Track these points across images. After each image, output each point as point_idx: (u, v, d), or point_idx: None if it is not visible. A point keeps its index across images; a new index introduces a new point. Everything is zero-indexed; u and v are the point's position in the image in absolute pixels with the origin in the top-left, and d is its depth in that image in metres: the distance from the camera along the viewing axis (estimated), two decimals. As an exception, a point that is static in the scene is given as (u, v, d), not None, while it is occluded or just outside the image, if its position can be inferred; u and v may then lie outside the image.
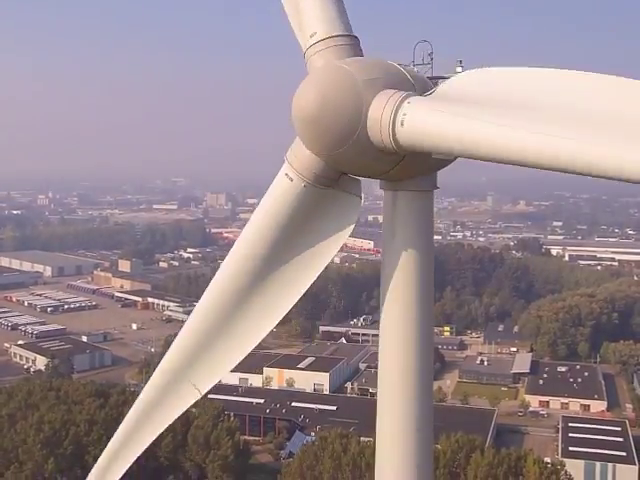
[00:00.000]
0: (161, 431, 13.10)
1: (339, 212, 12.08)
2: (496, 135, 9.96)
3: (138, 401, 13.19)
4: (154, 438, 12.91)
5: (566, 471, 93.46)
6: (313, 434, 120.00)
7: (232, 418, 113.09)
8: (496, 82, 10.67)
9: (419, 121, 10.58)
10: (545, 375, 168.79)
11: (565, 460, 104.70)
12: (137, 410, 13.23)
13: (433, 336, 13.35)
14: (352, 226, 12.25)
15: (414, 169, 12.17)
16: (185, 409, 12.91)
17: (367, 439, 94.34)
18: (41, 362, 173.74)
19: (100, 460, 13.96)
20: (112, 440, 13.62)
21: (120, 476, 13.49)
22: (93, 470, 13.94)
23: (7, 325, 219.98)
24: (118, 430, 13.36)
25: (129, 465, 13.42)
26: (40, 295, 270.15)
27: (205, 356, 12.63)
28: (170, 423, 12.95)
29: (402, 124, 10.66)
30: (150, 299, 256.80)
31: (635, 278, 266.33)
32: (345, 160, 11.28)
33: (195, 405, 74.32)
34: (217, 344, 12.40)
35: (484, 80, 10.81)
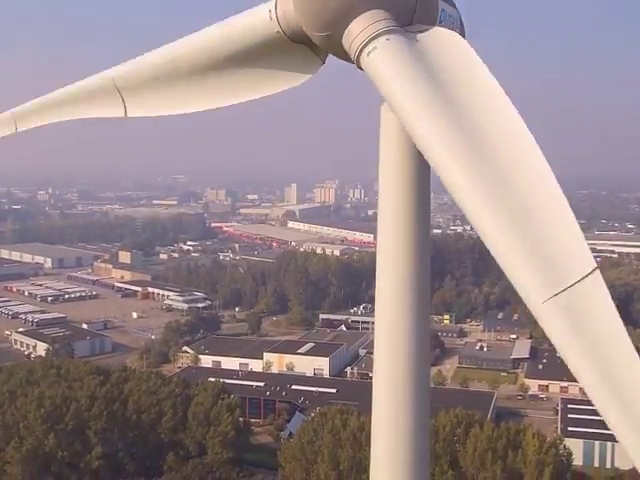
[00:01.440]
0: (81, 117, 12.19)
1: (298, 61, 11.78)
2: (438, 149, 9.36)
3: None
4: (72, 118, 12.14)
5: (565, 445, 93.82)
6: (313, 414, 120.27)
7: (232, 396, 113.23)
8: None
9: (382, 65, 10.03)
10: (545, 360, 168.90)
11: (564, 439, 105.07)
12: None
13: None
14: (306, 77, 11.88)
15: None
16: (107, 115, 12.18)
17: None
18: (41, 348, 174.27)
19: None
20: None
21: None
22: None
23: (7, 314, 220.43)
24: None
25: None
26: (40, 285, 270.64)
27: (145, 90, 12.10)
28: (89, 116, 12.16)
29: (368, 54, 10.34)
30: (150, 289, 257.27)
31: (634, 267, 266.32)
32: (329, 44, 11.15)
33: (195, 384, 74.34)
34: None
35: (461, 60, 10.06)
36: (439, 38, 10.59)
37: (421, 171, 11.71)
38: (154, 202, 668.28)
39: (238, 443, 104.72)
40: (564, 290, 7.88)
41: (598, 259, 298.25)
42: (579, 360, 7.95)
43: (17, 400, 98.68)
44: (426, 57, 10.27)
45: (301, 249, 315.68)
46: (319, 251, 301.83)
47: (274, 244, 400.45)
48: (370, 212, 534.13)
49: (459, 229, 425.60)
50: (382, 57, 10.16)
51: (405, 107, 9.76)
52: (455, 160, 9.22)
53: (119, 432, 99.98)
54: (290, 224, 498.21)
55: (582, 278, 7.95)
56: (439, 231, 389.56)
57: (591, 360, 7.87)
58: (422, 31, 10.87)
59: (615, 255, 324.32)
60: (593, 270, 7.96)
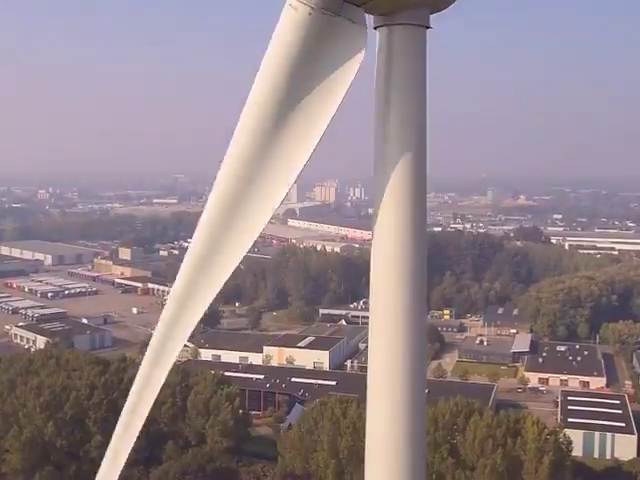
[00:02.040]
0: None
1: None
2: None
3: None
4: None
5: (565, 433, 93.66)
6: (313, 405, 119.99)
7: (232, 386, 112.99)
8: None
9: (284, 25, 10.46)
10: (545, 354, 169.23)
11: (564, 428, 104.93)
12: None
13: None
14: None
15: None
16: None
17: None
18: (41, 342, 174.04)
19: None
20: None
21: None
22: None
23: (8, 309, 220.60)
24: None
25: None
26: (40, 281, 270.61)
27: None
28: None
29: (288, 6, 10.42)
30: (150, 285, 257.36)
31: (634, 264, 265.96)
32: None
33: (194, 374, 72.86)
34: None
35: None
36: (347, 42, 10.81)
37: (418, 159, 11.75)
38: (154, 201, 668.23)
39: (237, 433, 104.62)
40: (163, 340, 11.47)
41: (598, 256, 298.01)
42: (138, 380, 11.96)
43: (16, 389, 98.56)
44: (318, 49, 10.66)
45: (301, 246, 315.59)
46: (319, 248, 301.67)
47: (274, 242, 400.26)
48: (370, 210, 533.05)
49: (459, 227, 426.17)
50: (290, 20, 10.52)
51: (263, 67, 10.62)
52: (232, 153, 10.71)
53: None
54: (290, 222, 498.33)
55: (172, 344, 11.41)
56: (439, 229, 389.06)
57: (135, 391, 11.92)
58: (353, 21, 11.00)
59: (615, 252, 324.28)
60: (177, 346, 11.44)
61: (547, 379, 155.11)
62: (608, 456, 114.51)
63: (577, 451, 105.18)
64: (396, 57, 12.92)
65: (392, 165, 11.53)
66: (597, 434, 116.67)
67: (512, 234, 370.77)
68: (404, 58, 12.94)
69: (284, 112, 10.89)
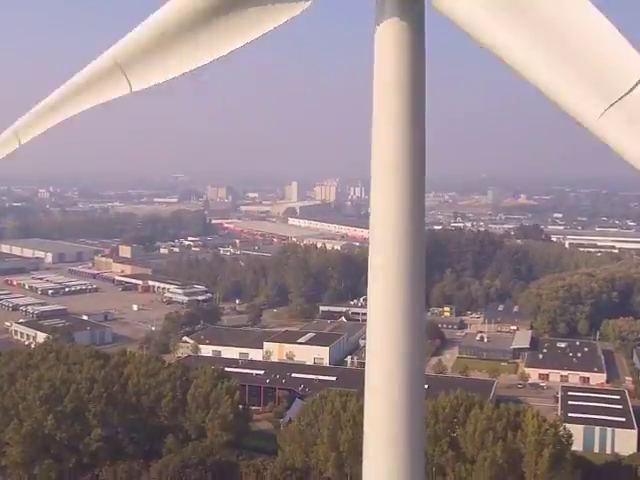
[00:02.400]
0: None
1: None
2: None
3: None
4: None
5: (565, 426, 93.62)
6: (313, 398, 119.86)
7: (232, 380, 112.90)
8: None
9: None
10: (545, 350, 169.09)
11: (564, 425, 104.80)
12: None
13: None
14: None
15: None
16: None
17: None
18: (41, 339, 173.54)
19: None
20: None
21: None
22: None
23: (8, 306, 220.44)
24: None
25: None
26: (41, 279, 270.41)
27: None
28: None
29: None
30: (151, 282, 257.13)
31: (635, 262, 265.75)
32: None
33: (194, 368, 73.99)
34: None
35: None
36: None
37: (416, 149, 11.54)
38: (155, 200, 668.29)
39: (238, 427, 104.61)
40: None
41: (598, 254, 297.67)
42: None
43: (17, 382, 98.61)
44: None
45: (302, 244, 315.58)
46: (319, 246, 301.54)
47: (275, 240, 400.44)
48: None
49: (460, 225, 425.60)
50: None
51: None
52: None
53: (118, 415, 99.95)
54: (291, 221, 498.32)
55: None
56: (439, 227, 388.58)
57: None
58: None
59: (616, 251, 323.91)
60: None
61: (547, 375, 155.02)
62: (608, 451, 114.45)
63: (577, 445, 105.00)
64: (393, 27, 12.79)
65: (390, 158, 11.25)
66: (597, 429, 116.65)
67: (512, 232, 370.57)
68: (401, 28, 12.82)
69: (215, 9, 10.80)
